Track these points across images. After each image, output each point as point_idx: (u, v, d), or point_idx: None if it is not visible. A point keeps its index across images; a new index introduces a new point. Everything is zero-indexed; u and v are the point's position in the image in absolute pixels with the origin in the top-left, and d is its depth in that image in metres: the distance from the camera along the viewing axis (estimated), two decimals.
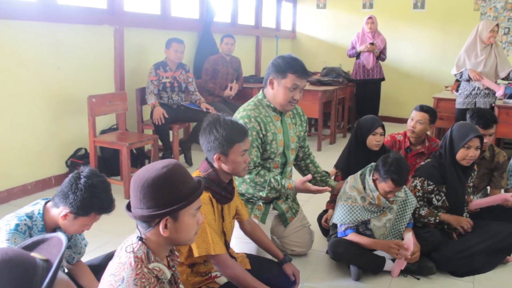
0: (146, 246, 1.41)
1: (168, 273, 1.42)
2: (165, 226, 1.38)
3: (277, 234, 2.83)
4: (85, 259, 2.17)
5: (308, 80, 6.44)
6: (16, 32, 3.62)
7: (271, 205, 2.72)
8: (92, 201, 1.76)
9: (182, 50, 4.67)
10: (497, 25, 4.51)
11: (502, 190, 3.23)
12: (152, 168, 1.40)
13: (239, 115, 2.54)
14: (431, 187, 2.78)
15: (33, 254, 0.89)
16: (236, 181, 2.57)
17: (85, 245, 2.10)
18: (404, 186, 2.66)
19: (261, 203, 2.65)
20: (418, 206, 2.78)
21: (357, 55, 6.44)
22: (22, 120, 3.75)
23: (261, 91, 2.66)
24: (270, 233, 2.76)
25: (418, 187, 2.79)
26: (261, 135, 2.49)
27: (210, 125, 1.99)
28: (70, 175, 1.80)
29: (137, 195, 1.39)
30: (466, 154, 2.69)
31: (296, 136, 2.71)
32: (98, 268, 2.15)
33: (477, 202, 2.99)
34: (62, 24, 3.98)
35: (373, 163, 2.65)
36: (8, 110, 3.63)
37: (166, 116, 4.44)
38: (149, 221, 1.40)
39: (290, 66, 2.47)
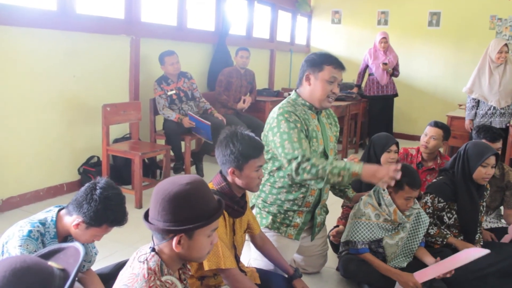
0: (159, 257, 1.41)
1: (180, 286, 1.42)
2: (179, 242, 1.38)
3: (298, 250, 2.78)
4: (94, 267, 2.17)
5: None
6: (34, 39, 3.67)
7: (310, 215, 2.63)
8: (105, 213, 1.77)
9: (177, 60, 4.62)
10: (506, 44, 4.49)
11: None
12: (177, 183, 1.40)
13: (275, 114, 2.45)
14: (442, 204, 2.75)
15: (50, 263, 0.89)
16: (269, 196, 2.55)
17: (96, 254, 2.10)
18: (417, 202, 2.64)
19: (297, 220, 2.57)
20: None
21: (370, 73, 6.45)
22: (36, 126, 3.79)
23: (293, 92, 2.60)
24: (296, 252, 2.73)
25: (429, 204, 2.76)
26: (304, 128, 2.43)
27: (227, 138, 1.99)
28: (86, 185, 1.81)
29: (157, 207, 1.39)
30: (483, 173, 2.67)
31: (334, 136, 2.66)
32: (107, 277, 2.15)
33: None
34: (79, 33, 4.04)
35: None
36: (23, 116, 3.67)
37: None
38: (163, 234, 1.40)
39: (326, 58, 2.47)
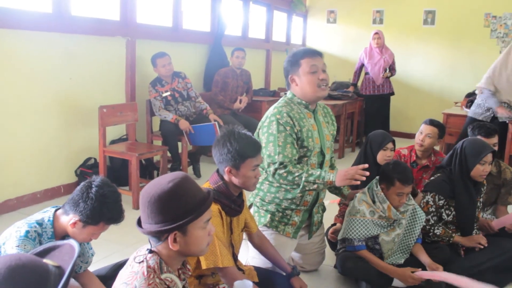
0: (158, 256, 1.41)
1: (179, 284, 1.42)
2: (174, 240, 1.39)
3: (296, 249, 2.78)
4: (91, 269, 2.17)
5: None
6: (30, 42, 3.67)
7: (308, 214, 2.63)
8: (101, 211, 1.77)
9: (169, 61, 4.59)
10: None
11: (510, 207, 3.22)
12: (159, 183, 1.40)
13: (270, 113, 2.47)
14: (442, 201, 2.76)
15: (45, 260, 0.90)
16: (267, 195, 2.56)
17: (92, 255, 2.10)
18: (412, 198, 2.65)
19: (295, 219, 2.58)
20: (433, 222, 2.76)
21: (366, 72, 6.48)
22: (33, 129, 3.79)
23: (289, 91, 2.61)
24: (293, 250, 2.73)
25: (431, 203, 2.77)
26: (295, 130, 2.43)
27: (224, 137, 1.99)
28: (82, 184, 1.82)
29: (145, 211, 1.40)
30: (481, 170, 2.69)
31: (330, 135, 2.66)
32: (104, 279, 2.15)
33: (499, 222, 2.95)
34: (75, 35, 4.04)
35: (377, 176, 2.64)
36: (20, 118, 3.67)
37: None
38: (158, 236, 1.40)
39: (298, 53, 2.51)
